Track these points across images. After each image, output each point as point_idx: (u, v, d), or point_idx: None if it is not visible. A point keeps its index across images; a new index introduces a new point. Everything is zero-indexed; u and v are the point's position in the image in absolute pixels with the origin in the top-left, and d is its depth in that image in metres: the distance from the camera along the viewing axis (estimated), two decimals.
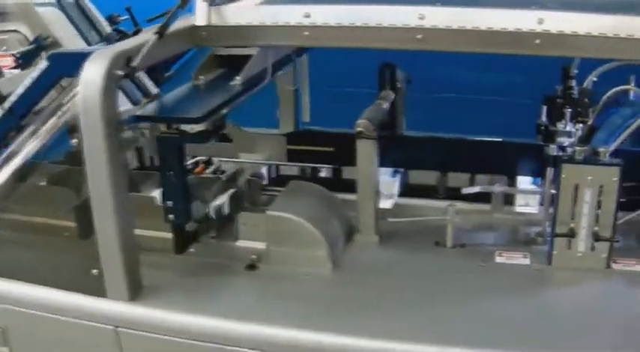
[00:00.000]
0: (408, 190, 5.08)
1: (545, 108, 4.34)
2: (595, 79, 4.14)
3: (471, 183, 4.86)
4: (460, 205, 4.57)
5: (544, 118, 4.35)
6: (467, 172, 4.91)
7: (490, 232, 4.51)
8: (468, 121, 5.92)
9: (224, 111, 4.06)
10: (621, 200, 4.29)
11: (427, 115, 5.96)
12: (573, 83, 4.31)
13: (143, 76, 4.45)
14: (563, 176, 3.91)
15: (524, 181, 4.80)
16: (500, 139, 5.00)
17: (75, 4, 4.10)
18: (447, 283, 4.02)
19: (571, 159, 3.93)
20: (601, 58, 3.90)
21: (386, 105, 4.66)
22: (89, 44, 5.86)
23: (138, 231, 3.94)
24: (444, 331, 3.59)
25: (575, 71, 4.39)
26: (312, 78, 5.47)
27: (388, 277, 4.11)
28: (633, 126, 3.92)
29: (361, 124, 4.20)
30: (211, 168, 4.73)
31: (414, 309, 3.77)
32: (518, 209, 4.65)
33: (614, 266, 4.09)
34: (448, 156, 4.92)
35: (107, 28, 5.97)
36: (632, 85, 4.22)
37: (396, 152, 4.93)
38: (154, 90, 4.71)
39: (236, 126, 5.28)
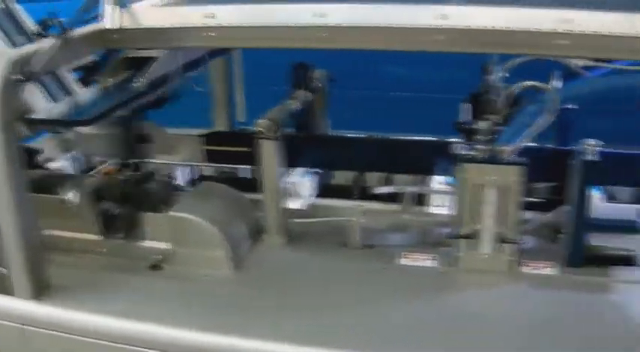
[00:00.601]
0: (327, 191, 4.93)
1: (465, 106, 4.21)
2: (505, 74, 3.97)
3: (389, 183, 4.71)
4: (371, 206, 4.48)
5: (467, 116, 4.21)
6: (383, 172, 4.76)
7: (400, 233, 4.39)
8: (401, 119, 5.76)
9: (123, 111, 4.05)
10: (540, 200, 4.22)
11: (357, 114, 5.84)
12: (494, 80, 4.16)
13: (69, 78, 4.36)
14: (464, 176, 3.79)
15: (440, 181, 4.63)
16: (417, 138, 4.83)
17: (3, 8, 4.01)
18: (346, 285, 3.94)
19: (472, 159, 3.78)
20: (509, 53, 3.84)
21: (296, 106, 4.53)
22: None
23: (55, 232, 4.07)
24: (334, 334, 3.52)
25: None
26: (253, 77, 5.39)
27: (289, 278, 4.03)
28: (539, 125, 3.77)
29: (261, 124, 4.12)
30: (128, 169, 4.64)
31: (307, 312, 3.70)
32: (432, 210, 4.49)
33: (522, 268, 3.98)
34: (364, 155, 4.76)
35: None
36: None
37: (312, 152, 4.81)
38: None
39: (156, 127, 5.17)
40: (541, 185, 4.42)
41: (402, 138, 4.82)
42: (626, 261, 4.06)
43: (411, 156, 4.59)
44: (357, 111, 5.97)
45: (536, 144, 4.06)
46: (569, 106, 4.55)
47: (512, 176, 3.75)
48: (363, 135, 4.99)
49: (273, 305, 3.74)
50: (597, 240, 4.05)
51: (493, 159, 3.79)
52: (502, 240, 3.86)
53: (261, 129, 4.12)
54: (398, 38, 3.50)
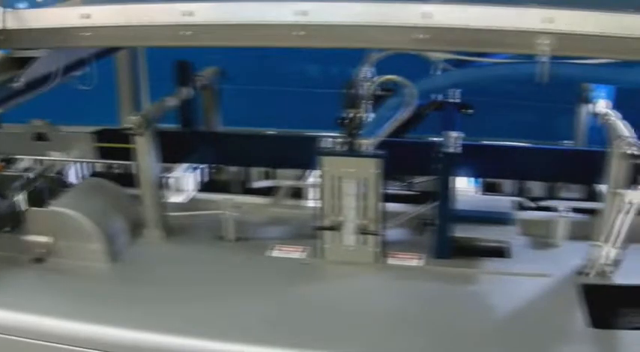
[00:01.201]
0: (211, 185, 5.01)
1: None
2: (370, 68, 4.04)
3: (272, 178, 4.79)
4: (250, 200, 4.54)
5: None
6: (262, 166, 4.83)
7: (276, 226, 4.44)
8: (297, 114, 5.83)
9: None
10: (413, 193, 4.29)
11: (252, 109, 5.88)
12: (369, 74, 4.22)
13: None
14: (324, 168, 3.85)
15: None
16: (298, 133, 4.91)
17: None
18: (217, 277, 4.02)
19: (331, 152, 3.84)
20: (365, 48, 3.90)
21: (174, 102, 4.57)
22: None
23: None
24: (197, 324, 3.59)
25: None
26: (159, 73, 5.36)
27: (163, 271, 4.11)
28: (399, 117, 3.84)
29: (132, 121, 4.16)
30: (20, 166, 4.75)
31: (174, 303, 3.78)
32: (308, 203, 4.57)
33: (388, 260, 4.04)
34: (242, 151, 4.83)
35: None
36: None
37: (198, 148, 4.87)
38: None
39: (51, 125, 5.26)
40: (421, 178, 4.47)
41: (281, 133, 4.87)
42: (496, 252, 4.13)
43: (290, 151, 4.66)
44: (252, 107, 5.98)
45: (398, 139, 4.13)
46: (452, 100, 4.62)
47: (370, 168, 3.80)
48: (241, 131, 5.04)
49: (144, 297, 3.81)
50: (471, 232, 4.13)
51: (351, 152, 3.83)
52: (365, 231, 3.89)
53: (131, 125, 4.12)
54: (260, 35, 3.61)
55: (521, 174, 4.68)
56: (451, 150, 3.89)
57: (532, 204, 4.50)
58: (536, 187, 4.79)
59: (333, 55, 4.18)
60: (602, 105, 4.36)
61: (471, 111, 4.75)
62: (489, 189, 4.71)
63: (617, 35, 3.36)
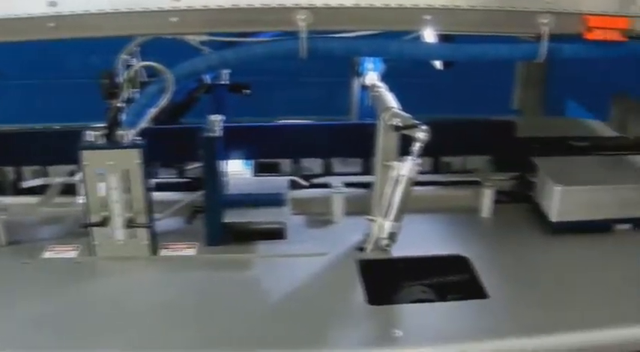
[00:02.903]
0: None
1: None
2: (127, 56, 3.87)
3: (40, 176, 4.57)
4: (17, 200, 4.43)
5: None
6: (38, 164, 4.67)
7: (50, 225, 4.26)
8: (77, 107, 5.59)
9: None
10: (185, 180, 4.16)
11: (26, 106, 5.63)
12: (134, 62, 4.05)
13: None
14: (84, 163, 3.70)
15: None
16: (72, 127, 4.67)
17: None
18: None
19: (90, 145, 3.68)
20: (124, 35, 3.82)
21: None
22: None
23: None
24: None
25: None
26: None
27: None
28: (161, 104, 3.69)
29: None
30: None
31: None
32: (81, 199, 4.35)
33: (161, 251, 3.95)
34: (17, 149, 4.61)
35: None
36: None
37: None
38: None
39: None
40: (194, 165, 4.35)
41: (48, 129, 4.69)
42: (272, 235, 4.10)
43: (60, 146, 4.41)
44: (26, 103, 5.73)
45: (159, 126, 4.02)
46: (223, 82, 4.53)
47: (132, 159, 3.69)
48: (8, 129, 4.81)
49: None
50: (243, 216, 4.07)
51: (110, 144, 3.70)
52: (133, 225, 3.79)
53: None
54: (11, 29, 3.53)
55: (296, 152, 4.62)
56: (211, 134, 3.82)
57: (305, 183, 4.41)
58: (316, 165, 4.69)
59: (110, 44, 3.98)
60: (370, 77, 4.33)
61: (248, 91, 4.68)
62: (269, 169, 4.60)
63: (372, 6, 3.47)
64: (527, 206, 4.42)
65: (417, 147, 3.69)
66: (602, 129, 5.34)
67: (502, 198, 4.55)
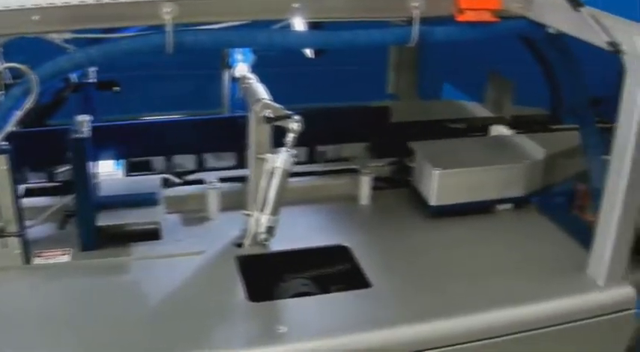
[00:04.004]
0: None
1: None
2: None
3: None
4: None
5: None
6: None
7: None
8: None
9: None
10: (56, 184, 4.12)
11: None
12: None
13: None
14: None
15: None
16: None
17: None
18: None
19: None
20: None
21: None
22: None
23: None
24: None
25: None
26: None
27: None
28: (26, 106, 3.51)
29: None
30: None
31: None
32: None
33: (35, 260, 3.77)
34: None
35: None
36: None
37: None
38: None
39: None
40: (64, 168, 4.19)
41: None
42: (147, 235, 3.99)
43: None
44: None
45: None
46: (90, 80, 4.38)
47: None
48: None
49: None
50: (116, 219, 3.94)
51: None
52: (3, 234, 3.62)
53: None
54: None
55: (167, 149, 4.50)
56: (79, 135, 3.68)
57: (178, 180, 4.31)
58: (189, 161, 4.58)
59: None
60: (240, 69, 4.25)
61: (117, 88, 4.54)
62: (140, 168, 4.46)
63: None
64: (407, 191, 4.41)
65: (290, 138, 3.63)
66: (479, 109, 5.34)
67: (381, 184, 4.53)
